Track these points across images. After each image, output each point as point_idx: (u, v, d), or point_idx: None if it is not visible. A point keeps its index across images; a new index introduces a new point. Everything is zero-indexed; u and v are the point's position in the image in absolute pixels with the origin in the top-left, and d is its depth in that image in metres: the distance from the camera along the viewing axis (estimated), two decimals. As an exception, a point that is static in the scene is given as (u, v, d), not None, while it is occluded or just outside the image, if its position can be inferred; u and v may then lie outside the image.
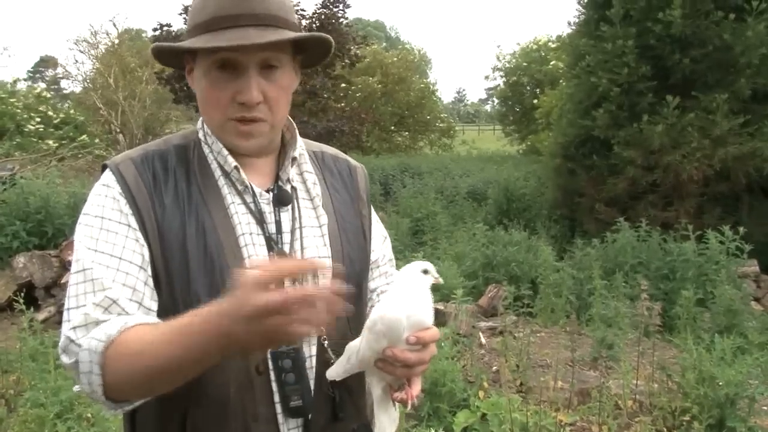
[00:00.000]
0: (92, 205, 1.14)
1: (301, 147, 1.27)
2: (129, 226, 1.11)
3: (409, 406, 1.14)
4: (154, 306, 1.10)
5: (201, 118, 1.24)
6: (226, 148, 1.18)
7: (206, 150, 1.20)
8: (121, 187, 1.13)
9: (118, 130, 17.51)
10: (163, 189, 1.14)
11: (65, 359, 1.05)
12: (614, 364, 4.41)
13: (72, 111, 18.67)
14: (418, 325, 1.07)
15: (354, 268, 1.25)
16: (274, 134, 1.21)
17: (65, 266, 6.27)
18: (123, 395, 1.04)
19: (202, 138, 1.21)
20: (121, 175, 1.14)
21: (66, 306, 1.08)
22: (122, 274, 1.08)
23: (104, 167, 1.18)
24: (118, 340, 1.01)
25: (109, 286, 1.06)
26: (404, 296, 1.06)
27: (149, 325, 1.04)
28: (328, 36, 1.19)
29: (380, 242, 1.40)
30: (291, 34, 1.13)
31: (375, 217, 1.40)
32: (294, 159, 1.24)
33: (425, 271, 1.11)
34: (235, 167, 1.17)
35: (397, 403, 1.18)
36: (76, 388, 1.06)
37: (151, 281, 1.10)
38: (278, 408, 1.13)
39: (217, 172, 1.18)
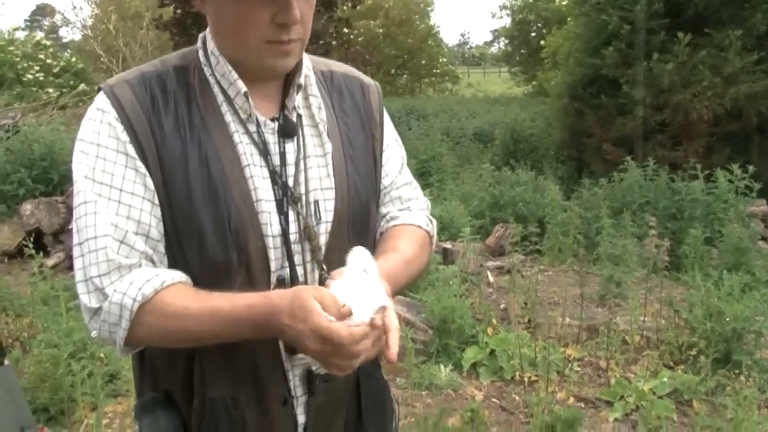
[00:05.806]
0: (87, 131, 1.08)
1: (308, 68, 1.21)
2: (127, 154, 1.06)
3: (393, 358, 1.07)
4: (161, 237, 1.07)
5: (202, 36, 1.17)
6: (236, 72, 1.11)
7: (208, 72, 1.13)
8: (117, 112, 1.07)
9: (119, 77, 17.25)
10: (163, 113, 1.08)
11: (86, 301, 1.04)
12: (622, 302, 4.43)
13: (72, 59, 18.40)
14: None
15: (360, 198, 1.20)
16: (302, 52, 1.16)
17: (72, 212, 6.25)
18: (141, 344, 1.09)
19: (203, 59, 1.14)
20: (117, 99, 1.08)
21: (76, 241, 1.07)
22: (125, 207, 1.05)
23: (99, 90, 1.13)
24: (154, 301, 1.02)
25: (114, 221, 1.04)
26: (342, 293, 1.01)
27: (188, 289, 1.05)
28: None
29: (397, 166, 1.34)
30: None
31: (391, 138, 1.33)
32: (299, 86, 1.17)
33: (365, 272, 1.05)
34: (244, 93, 1.11)
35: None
36: (93, 333, 1.05)
37: (157, 210, 1.06)
38: (281, 345, 1.13)
39: (220, 97, 1.12)
